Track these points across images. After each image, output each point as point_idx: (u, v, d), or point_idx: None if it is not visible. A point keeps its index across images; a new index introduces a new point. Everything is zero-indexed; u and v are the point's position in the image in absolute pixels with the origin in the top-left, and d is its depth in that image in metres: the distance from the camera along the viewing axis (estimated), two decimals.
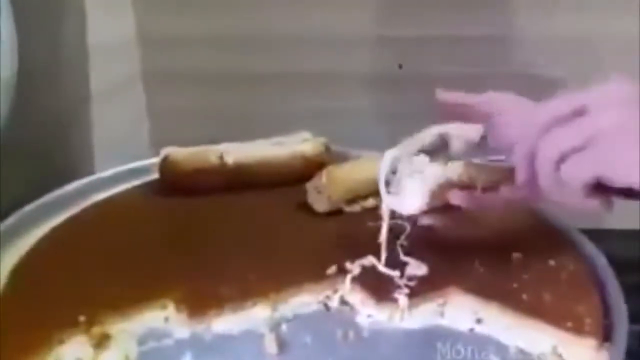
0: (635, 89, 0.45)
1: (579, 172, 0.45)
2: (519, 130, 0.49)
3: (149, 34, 0.93)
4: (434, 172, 0.53)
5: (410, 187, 0.52)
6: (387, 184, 0.53)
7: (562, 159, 0.45)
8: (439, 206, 0.55)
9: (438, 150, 0.54)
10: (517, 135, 0.49)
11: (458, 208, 0.55)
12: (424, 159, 0.53)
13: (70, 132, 0.77)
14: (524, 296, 0.53)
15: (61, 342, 0.47)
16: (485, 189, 0.54)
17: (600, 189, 0.46)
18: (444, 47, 0.91)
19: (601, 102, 0.45)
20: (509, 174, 0.51)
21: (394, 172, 0.53)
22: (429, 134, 0.54)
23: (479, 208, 0.55)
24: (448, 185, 0.53)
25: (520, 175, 0.48)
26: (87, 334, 0.47)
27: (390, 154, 0.53)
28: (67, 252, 0.57)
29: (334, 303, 0.54)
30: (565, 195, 0.47)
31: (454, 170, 0.53)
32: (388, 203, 0.54)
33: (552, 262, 0.57)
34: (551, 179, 0.46)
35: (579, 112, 0.45)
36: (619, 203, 0.49)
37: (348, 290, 0.54)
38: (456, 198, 0.54)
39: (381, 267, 0.55)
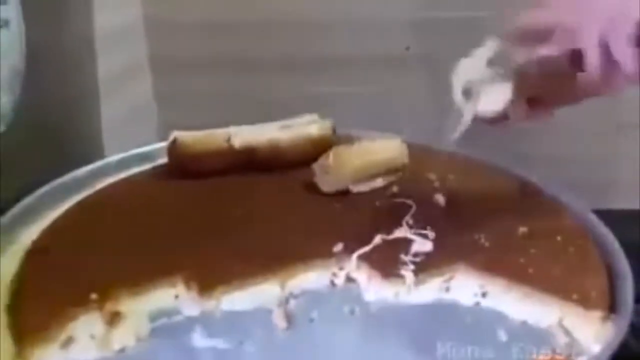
0: None
1: None
2: (577, 16, 0.47)
3: (155, 19, 0.94)
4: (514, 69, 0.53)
5: (496, 85, 0.53)
6: (466, 93, 0.54)
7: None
8: None
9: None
10: (576, 22, 0.47)
11: None
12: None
13: (79, 117, 0.78)
14: (530, 270, 0.53)
15: (74, 319, 0.48)
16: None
17: None
18: (453, 29, 0.91)
19: None
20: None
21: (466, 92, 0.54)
22: (491, 46, 0.55)
23: (560, 98, 0.54)
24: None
25: (592, 61, 0.45)
26: (99, 312, 0.48)
27: (464, 62, 0.55)
28: (79, 233, 0.58)
29: (340, 280, 0.55)
30: None
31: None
32: (469, 111, 0.54)
33: (558, 238, 0.58)
34: (631, 56, 0.43)
35: None
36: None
37: (354, 268, 0.55)
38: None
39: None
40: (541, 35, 0.52)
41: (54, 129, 0.71)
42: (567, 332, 0.49)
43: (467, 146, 0.72)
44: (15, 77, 0.61)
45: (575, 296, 0.50)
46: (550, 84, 0.53)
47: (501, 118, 0.55)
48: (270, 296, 0.52)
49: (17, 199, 0.62)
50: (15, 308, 0.49)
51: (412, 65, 0.93)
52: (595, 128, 0.94)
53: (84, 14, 0.77)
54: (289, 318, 0.51)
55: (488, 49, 0.56)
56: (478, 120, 0.55)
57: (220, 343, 0.48)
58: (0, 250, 0.55)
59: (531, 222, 0.59)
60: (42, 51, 0.65)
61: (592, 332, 0.49)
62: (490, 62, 0.55)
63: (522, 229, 0.58)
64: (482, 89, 0.54)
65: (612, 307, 0.50)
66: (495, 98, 0.54)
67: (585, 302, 0.50)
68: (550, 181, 0.66)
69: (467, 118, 0.55)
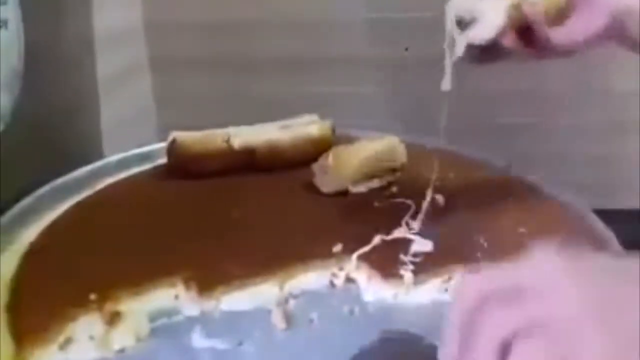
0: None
1: None
2: None
3: (155, 20, 0.94)
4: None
5: (488, 7, 0.54)
6: (459, 24, 0.54)
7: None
8: None
9: None
10: None
11: None
12: None
13: (78, 118, 0.78)
14: None
15: (73, 319, 0.48)
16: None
17: None
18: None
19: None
20: None
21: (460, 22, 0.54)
22: None
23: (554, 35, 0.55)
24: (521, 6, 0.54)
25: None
26: (98, 312, 0.48)
27: None
28: (79, 233, 0.58)
29: (340, 280, 0.55)
30: None
31: None
32: (462, 40, 0.54)
33: (558, 238, 0.58)
34: None
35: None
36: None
37: (354, 268, 0.55)
38: (533, 13, 0.54)
39: None
40: None
41: (53, 129, 0.71)
42: None
43: (468, 146, 0.73)
44: (14, 77, 0.61)
45: None
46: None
47: (493, 49, 0.55)
48: (269, 296, 0.52)
49: (17, 199, 0.62)
50: (14, 308, 0.49)
51: (412, 65, 0.93)
52: (595, 128, 0.94)
53: (83, 14, 0.77)
54: (288, 318, 0.51)
55: None
56: (472, 52, 0.55)
57: (219, 343, 0.48)
58: (0, 250, 0.55)
59: (531, 222, 0.59)
60: (41, 51, 0.65)
61: None
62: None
63: (522, 229, 0.58)
64: (474, 16, 0.54)
65: None
66: (488, 25, 0.54)
67: None
68: (550, 181, 0.66)
69: (460, 46, 0.55)
